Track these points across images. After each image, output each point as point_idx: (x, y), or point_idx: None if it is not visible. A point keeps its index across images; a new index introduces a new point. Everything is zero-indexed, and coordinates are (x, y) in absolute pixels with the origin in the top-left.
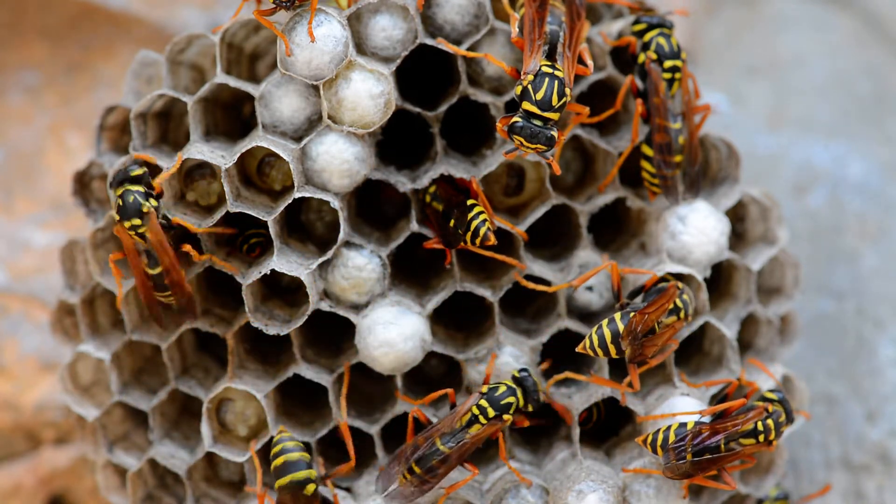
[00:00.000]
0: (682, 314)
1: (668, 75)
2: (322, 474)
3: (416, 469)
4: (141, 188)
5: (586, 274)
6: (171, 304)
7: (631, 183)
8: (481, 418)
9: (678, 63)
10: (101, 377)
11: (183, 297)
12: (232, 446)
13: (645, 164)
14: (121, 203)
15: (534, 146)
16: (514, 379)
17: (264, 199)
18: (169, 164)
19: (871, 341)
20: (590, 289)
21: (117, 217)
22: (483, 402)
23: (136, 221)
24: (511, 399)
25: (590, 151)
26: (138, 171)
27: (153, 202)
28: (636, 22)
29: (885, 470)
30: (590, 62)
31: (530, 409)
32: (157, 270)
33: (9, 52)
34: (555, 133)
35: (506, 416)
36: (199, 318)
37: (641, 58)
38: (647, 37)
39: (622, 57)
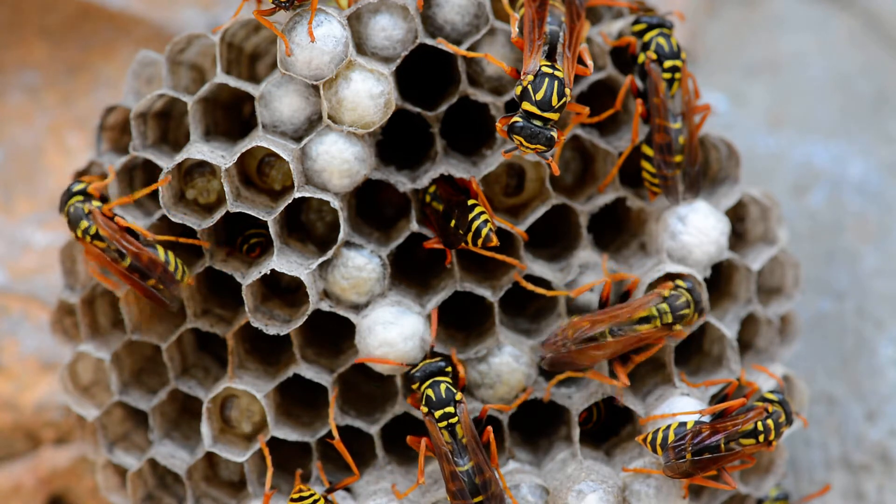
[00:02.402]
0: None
1: (667, 75)
2: (326, 488)
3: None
4: (81, 197)
5: (582, 287)
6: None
7: (631, 183)
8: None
9: (678, 63)
10: (101, 377)
11: (158, 272)
12: (232, 446)
13: (645, 165)
14: (68, 218)
15: (533, 146)
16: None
17: (264, 199)
18: (168, 164)
19: (871, 341)
20: (590, 289)
21: (71, 234)
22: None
23: (84, 224)
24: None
25: (590, 151)
26: (80, 186)
27: (95, 203)
28: (636, 22)
29: (885, 470)
30: (590, 62)
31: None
32: (128, 261)
33: (9, 52)
34: (554, 133)
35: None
36: (183, 292)
37: (641, 58)
38: (647, 37)
39: (622, 57)
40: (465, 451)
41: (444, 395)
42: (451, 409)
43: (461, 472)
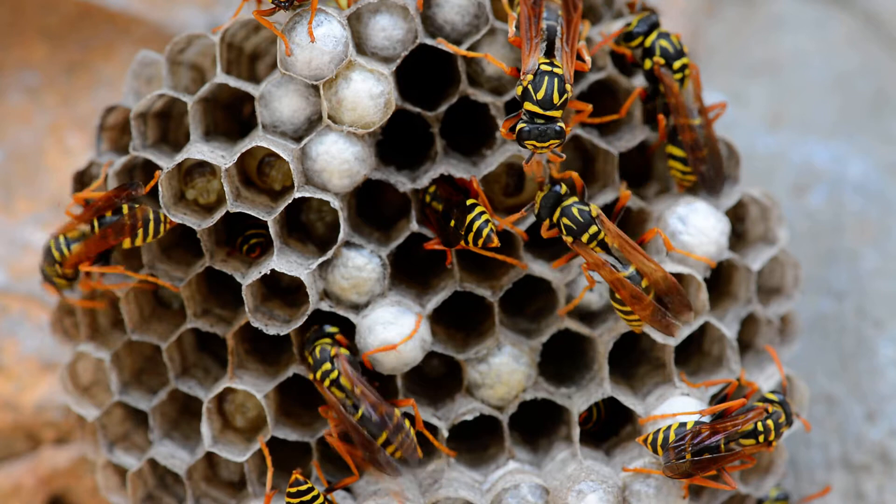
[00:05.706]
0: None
1: (678, 75)
2: (325, 487)
3: None
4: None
5: (575, 301)
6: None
7: (631, 183)
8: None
9: (685, 60)
10: (101, 377)
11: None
12: (232, 446)
13: (674, 164)
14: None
15: (546, 143)
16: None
17: (264, 199)
18: (168, 164)
19: (871, 341)
20: (590, 289)
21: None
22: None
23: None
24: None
25: (590, 151)
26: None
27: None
28: (628, 37)
29: (885, 470)
30: (587, 58)
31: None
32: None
33: (9, 52)
34: (562, 125)
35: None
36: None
37: (648, 64)
38: (648, 41)
39: (622, 58)
40: (358, 400)
41: (319, 356)
42: (328, 366)
43: (359, 421)
